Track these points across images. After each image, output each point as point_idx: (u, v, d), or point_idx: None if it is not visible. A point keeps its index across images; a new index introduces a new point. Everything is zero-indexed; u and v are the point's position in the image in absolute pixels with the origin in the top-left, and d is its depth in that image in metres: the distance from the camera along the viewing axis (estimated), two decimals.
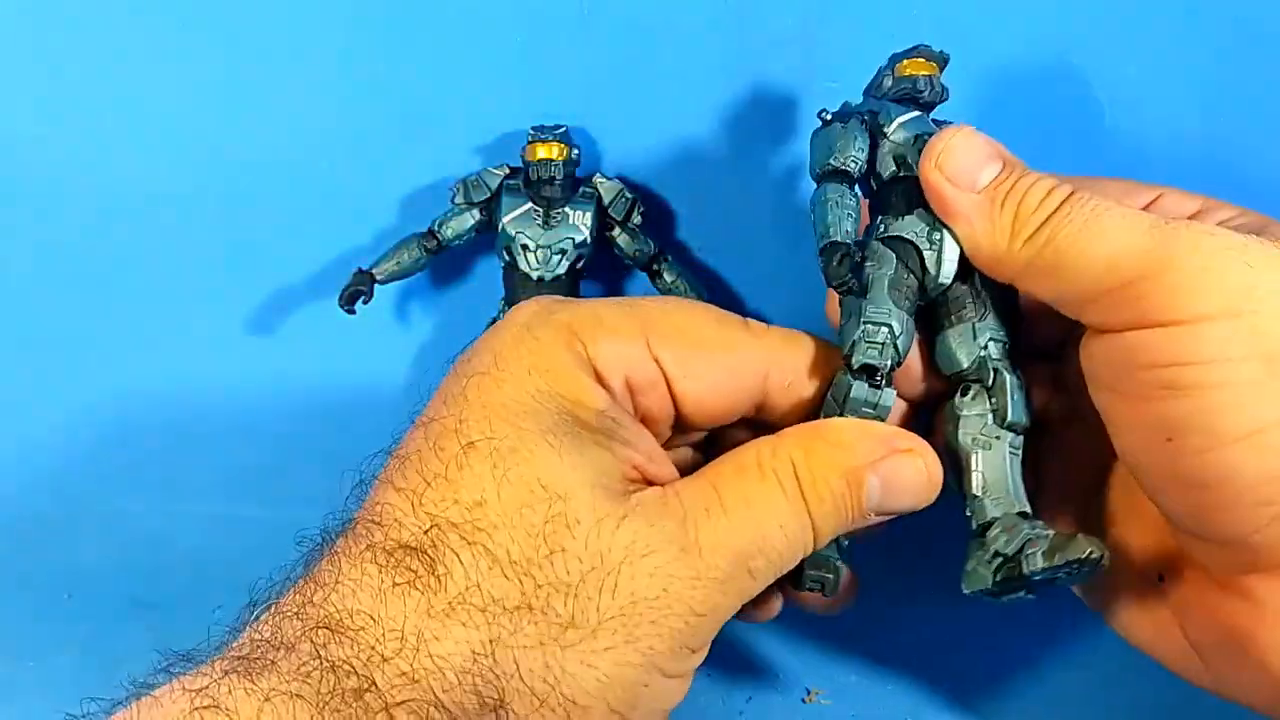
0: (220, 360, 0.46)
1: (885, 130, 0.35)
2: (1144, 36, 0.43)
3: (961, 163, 0.33)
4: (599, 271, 0.44)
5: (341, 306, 0.42)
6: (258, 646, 0.28)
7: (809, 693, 0.43)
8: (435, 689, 0.28)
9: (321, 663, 0.27)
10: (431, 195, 0.44)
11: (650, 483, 0.32)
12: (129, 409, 0.47)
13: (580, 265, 0.43)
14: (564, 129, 0.42)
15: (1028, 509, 0.33)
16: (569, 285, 0.43)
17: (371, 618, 0.28)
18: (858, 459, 0.32)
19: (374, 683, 0.27)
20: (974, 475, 0.34)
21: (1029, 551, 0.31)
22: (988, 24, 0.43)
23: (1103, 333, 0.31)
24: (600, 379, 0.32)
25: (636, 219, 0.43)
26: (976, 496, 0.33)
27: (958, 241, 0.34)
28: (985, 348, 0.34)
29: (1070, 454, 0.36)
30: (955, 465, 0.34)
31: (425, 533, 0.29)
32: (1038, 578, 0.31)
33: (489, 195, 0.43)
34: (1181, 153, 0.44)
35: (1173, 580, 0.33)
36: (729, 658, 0.44)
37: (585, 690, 0.29)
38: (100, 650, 0.28)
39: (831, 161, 0.35)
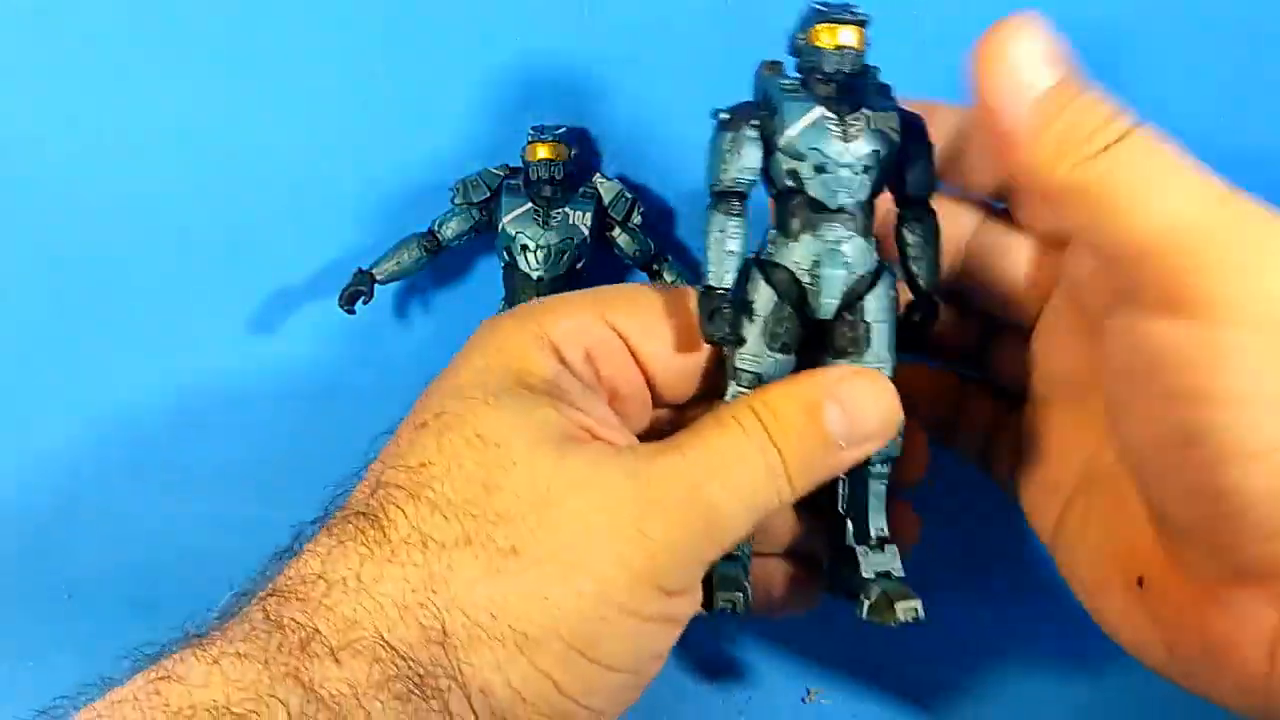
0: (220, 360, 0.46)
1: (777, 140, 0.32)
2: (1145, 36, 0.43)
3: (1018, 58, 0.29)
4: (599, 271, 0.44)
5: (341, 306, 0.42)
6: (213, 624, 0.29)
7: (809, 692, 0.43)
8: (380, 627, 0.28)
9: (269, 623, 0.28)
10: (431, 195, 0.44)
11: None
12: (129, 409, 0.47)
13: (580, 265, 0.43)
14: (564, 129, 0.42)
15: (885, 533, 0.34)
16: (569, 285, 0.43)
17: (319, 575, 0.29)
18: (813, 389, 0.31)
19: (318, 629, 0.27)
20: (840, 499, 0.35)
21: (862, 598, 0.33)
22: (987, 23, 0.43)
23: (1130, 309, 0.29)
24: (558, 353, 0.32)
25: (636, 219, 0.43)
26: (841, 516, 0.35)
27: (844, 269, 0.32)
28: None
29: (1053, 448, 0.36)
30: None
31: (372, 495, 0.30)
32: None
33: (489, 195, 0.43)
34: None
35: (1152, 584, 0.33)
36: (729, 657, 0.44)
37: (535, 621, 0.28)
38: (100, 650, 0.28)
39: (717, 182, 0.32)
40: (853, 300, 0.33)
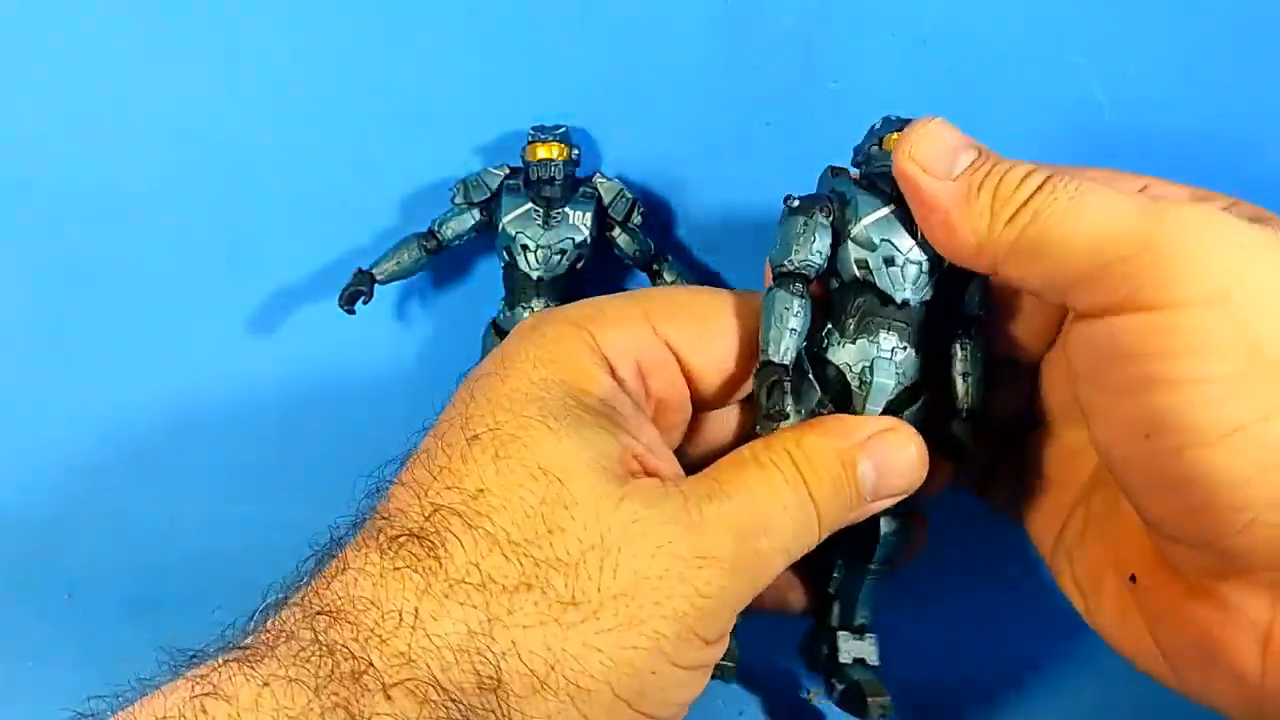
0: (220, 360, 0.46)
1: (850, 229, 0.33)
2: (1144, 36, 0.43)
3: (935, 149, 0.32)
4: (599, 271, 0.44)
5: (341, 306, 0.42)
6: (259, 638, 0.28)
7: (809, 692, 0.43)
8: (433, 668, 0.27)
9: (320, 647, 0.27)
10: (431, 195, 0.44)
11: (650, 474, 0.32)
12: (129, 409, 0.47)
13: (580, 265, 0.43)
14: (564, 129, 0.42)
15: (868, 622, 0.36)
16: (569, 285, 0.43)
17: (371, 602, 0.28)
18: (848, 440, 0.32)
19: (371, 663, 0.27)
20: (831, 581, 0.36)
21: (834, 683, 0.35)
22: (988, 24, 0.43)
23: (1087, 319, 0.30)
24: (610, 366, 0.32)
25: (636, 219, 0.43)
26: (831, 595, 0.37)
27: (894, 377, 0.33)
28: None
29: (1055, 472, 0.36)
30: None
31: (427, 519, 0.29)
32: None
33: (489, 195, 0.43)
34: (1182, 152, 0.44)
35: (1145, 583, 0.33)
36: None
37: (588, 673, 0.28)
38: (100, 650, 0.28)
39: (786, 263, 0.33)
40: (896, 410, 0.33)
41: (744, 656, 0.41)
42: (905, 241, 0.33)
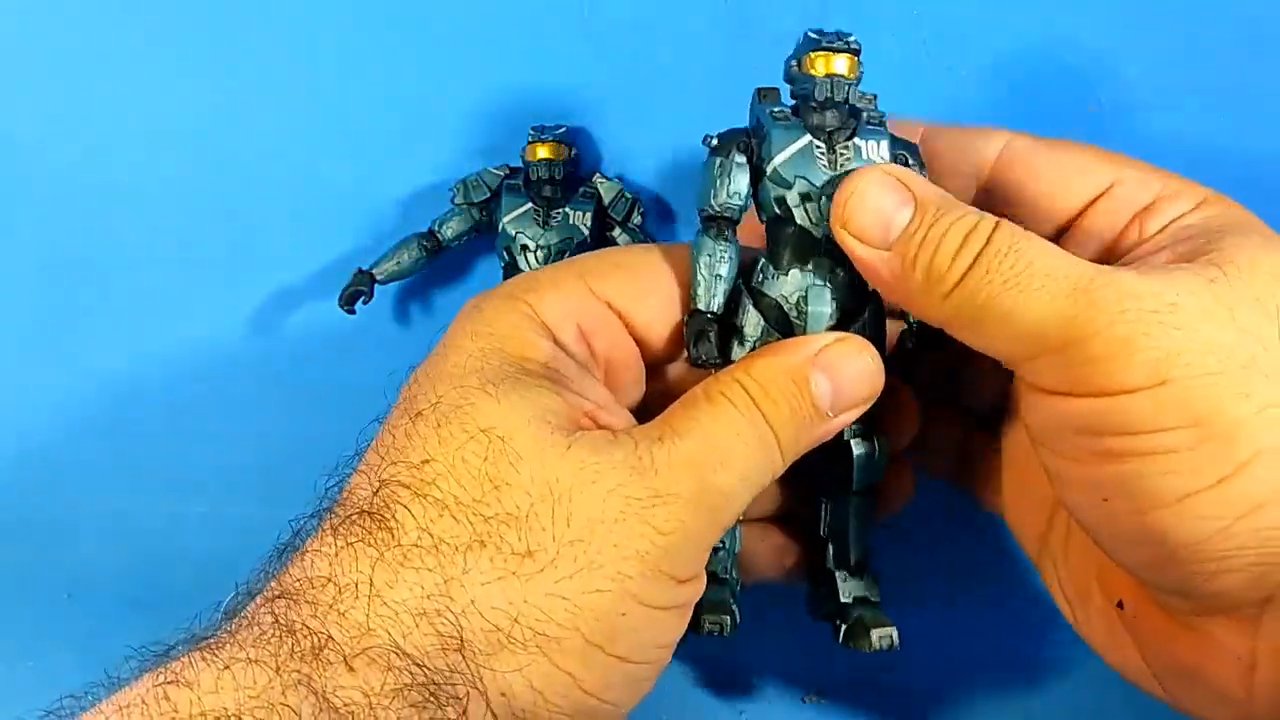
0: (220, 360, 0.46)
1: (764, 166, 0.32)
2: (1144, 36, 0.43)
3: (869, 218, 0.31)
4: None
5: (341, 306, 0.42)
6: (223, 628, 0.28)
7: (809, 693, 0.43)
8: (393, 634, 0.27)
9: (280, 628, 0.27)
10: (431, 195, 0.44)
11: (602, 429, 0.31)
12: (129, 409, 0.47)
13: None
14: (564, 129, 0.42)
15: (864, 558, 0.35)
16: None
17: (328, 579, 0.28)
18: (798, 356, 0.32)
19: (331, 637, 0.27)
20: (822, 523, 0.35)
21: (839, 623, 0.35)
22: (988, 23, 0.43)
23: (1037, 394, 0.30)
24: (550, 332, 0.32)
25: (636, 219, 0.43)
26: (822, 539, 0.36)
27: (832, 304, 0.32)
28: None
29: (1034, 466, 0.36)
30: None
31: (376, 495, 0.29)
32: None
33: (489, 195, 0.43)
34: (1181, 152, 0.44)
35: (1130, 609, 0.33)
36: (729, 658, 0.44)
37: (554, 622, 0.28)
38: (100, 650, 0.28)
39: (708, 207, 0.32)
40: (839, 328, 0.33)
41: (744, 657, 0.41)
42: (821, 176, 0.32)
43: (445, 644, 0.28)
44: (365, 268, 0.43)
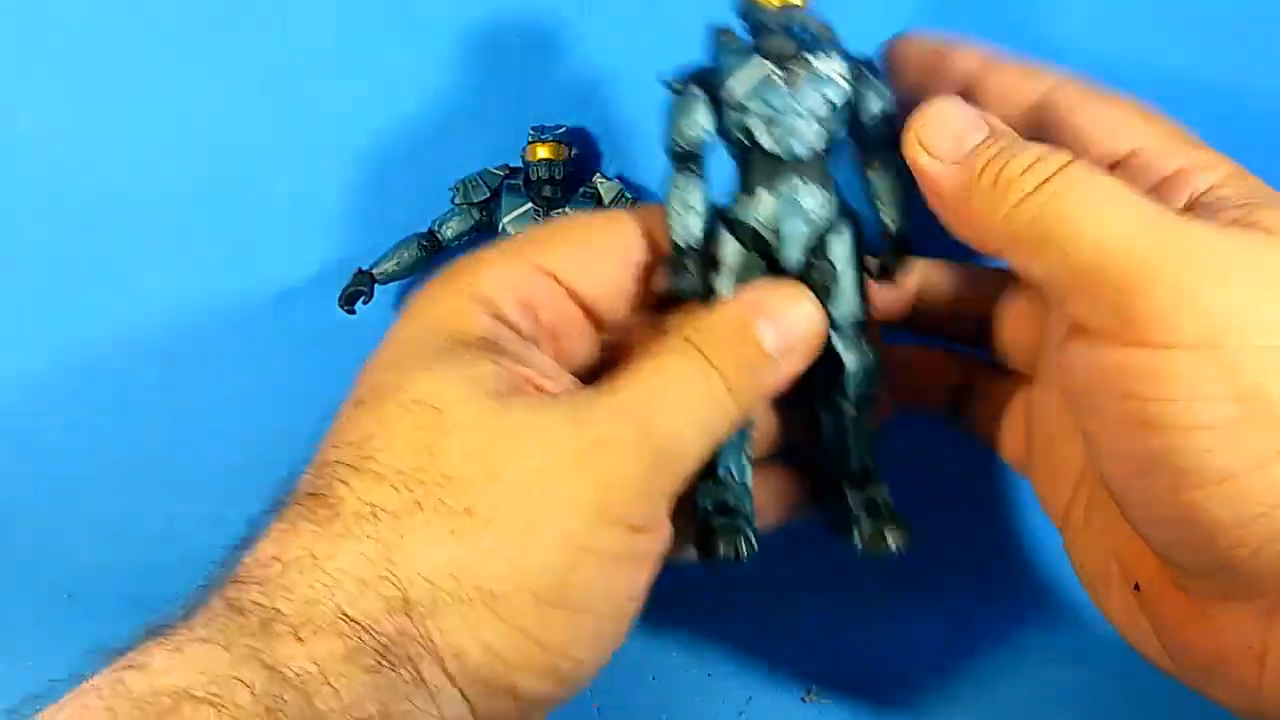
0: (220, 360, 0.46)
1: (725, 97, 0.32)
2: (1144, 36, 0.43)
3: (940, 131, 0.31)
4: None
5: (341, 306, 0.42)
6: (178, 618, 0.28)
7: (809, 692, 0.43)
8: (340, 602, 0.27)
9: (231, 609, 0.27)
10: (431, 195, 0.44)
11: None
12: (129, 409, 0.47)
13: None
14: (564, 129, 0.42)
15: (871, 466, 0.35)
16: None
17: (274, 558, 0.28)
18: (739, 307, 0.32)
19: (279, 611, 0.27)
20: (824, 439, 0.36)
21: (854, 530, 0.34)
22: (987, 24, 0.43)
23: (1078, 339, 0.30)
24: (490, 307, 0.32)
25: None
26: (828, 454, 0.36)
27: (804, 222, 0.33)
28: (838, 325, 0.34)
29: (1060, 429, 0.35)
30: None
31: (319, 477, 0.30)
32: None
33: (489, 195, 0.43)
34: None
35: (1148, 593, 0.33)
36: (729, 658, 0.44)
37: (498, 577, 0.28)
38: (100, 650, 0.28)
39: (675, 147, 0.33)
40: (817, 247, 0.33)
41: (744, 656, 0.41)
42: (781, 98, 0.32)
43: (391, 607, 0.27)
44: (365, 268, 0.43)
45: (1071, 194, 0.28)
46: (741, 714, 0.42)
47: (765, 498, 0.37)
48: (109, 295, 0.46)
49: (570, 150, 0.42)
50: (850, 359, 0.34)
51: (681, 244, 0.33)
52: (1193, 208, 0.31)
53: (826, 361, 0.34)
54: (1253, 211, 0.29)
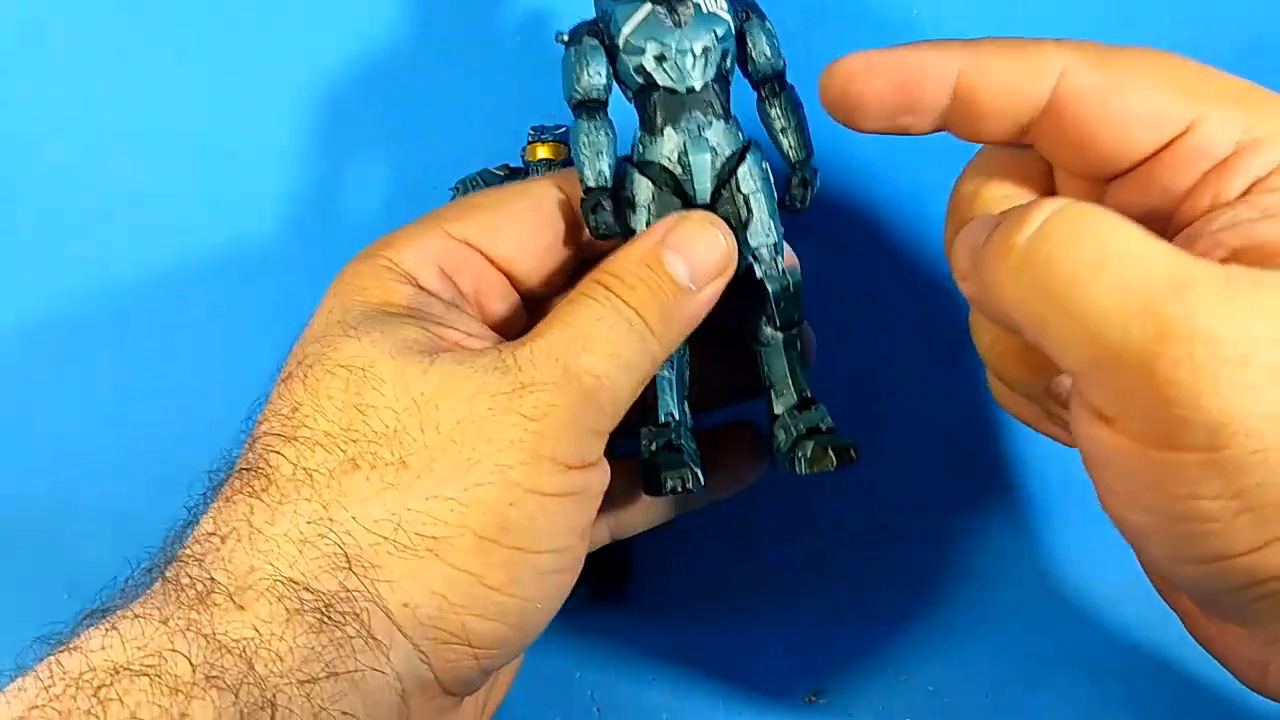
0: (221, 359, 0.46)
1: (617, 41, 0.33)
2: (1143, 36, 0.43)
3: (960, 253, 0.29)
4: None
5: None
6: (113, 599, 0.29)
7: (809, 693, 0.43)
8: (280, 566, 0.27)
9: (167, 584, 0.28)
10: (432, 195, 0.44)
11: None
12: (129, 409, 0.47)
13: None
14: (564, 129, 0.42)
15: (808, 392, 0.36)
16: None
17: (211, 533, 0.28)
18: (646, 243, 0.32)
19: (215, 581, 0.27)
20: (762, 373, 0.36)
21: (797, 454, 0.35)
22: (987, 25, 0.43)
23: (1087, 411, 0.27)
24: (411, 279, 0.33)
25: None
26: (767, 388, 0.36)
27: (710, 153, 0.34)
28: (756, 253, 0.35)
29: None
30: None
31: (252, 451, 0.30)
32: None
33: None
34: None
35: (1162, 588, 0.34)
36: (729, 659, 0.44)
37: (440, 522, 0.28)
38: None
39: (575, 95, 0.34)
40: (726, 178, 0.34)
41: (744, 657, 0.41)
42: (670, 35, 0.33)
43: (332, 564, 0.28)
44: None
45: (1070, 245, 0.25)
46: (742, 715, 0.42)
47: (722, 460, 0.37)
48: (108, 296, 0.46)
49: (570, 150, 0.42)
50: (772, 285, 0.35)
51: (594, 185, 0.34)
52: (1236, 207, 0.27)
53: (752, 295, 0.35)
54: None
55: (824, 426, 0.36)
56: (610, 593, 0.45)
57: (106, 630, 0.27)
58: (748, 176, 0.34)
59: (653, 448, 0.35)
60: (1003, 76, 0.31)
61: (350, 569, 0.28)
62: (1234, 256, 0.26)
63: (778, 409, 0.36)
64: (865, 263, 0.46)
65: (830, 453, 0.35)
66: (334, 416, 0.29)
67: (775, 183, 0.35)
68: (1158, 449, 0.25)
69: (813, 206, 0.36)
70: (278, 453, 0.29)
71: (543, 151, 0.42)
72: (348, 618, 0.27)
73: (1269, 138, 0.28)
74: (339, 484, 0.28)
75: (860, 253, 0.46)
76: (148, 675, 0.25)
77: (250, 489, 0.29)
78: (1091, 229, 0.26)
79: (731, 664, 0.44)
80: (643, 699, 0.41)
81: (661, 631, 0.44)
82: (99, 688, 0.25)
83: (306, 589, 0.27)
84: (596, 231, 0.34)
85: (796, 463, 0.35)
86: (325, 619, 0.27)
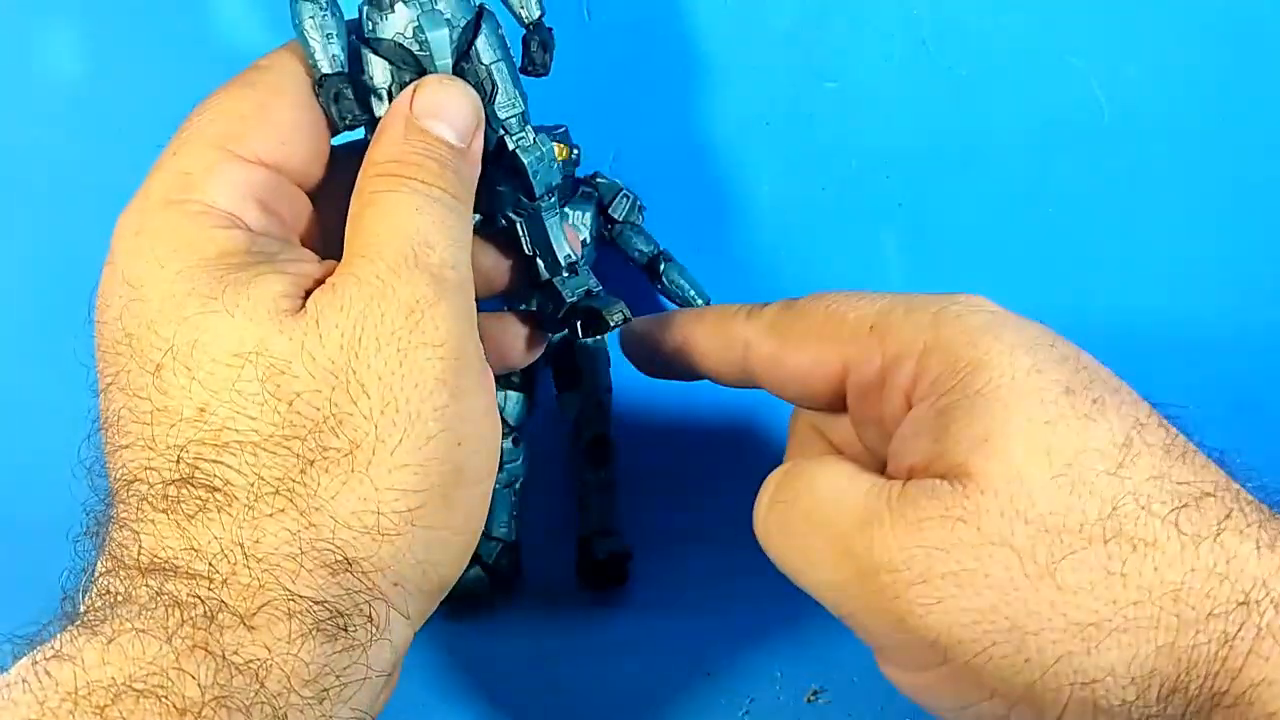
0: None
1: None
2: (1144, 37, 0.43)
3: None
4: (600, 271, 0.44)
5: None
6: (90, 607, 0.27)
7: (811, 693, 0.43)
8: (283, 582, 0.27)
9: (163, 600, 0.26)
10: None
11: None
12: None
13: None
14: (564, 129, 0.42)
15: (573, 258, 0.36)
16: None
17: (191, 551, 0.27)
18: (398, 123, 0.32)
19: (224, 602, 0.26)
20: (522, 242, 0.36)
21: (574, 322, 0.36)
22: (987, 24, 0.43)
23: (881, 657, 0.31)
24: (235, 220, 0.31)
25: (636, 217, 0.43)
26: (529, 257, 0.36)
27: (446, 26, 0.33)
28: (505, 124, 0.34)
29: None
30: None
31: (179, 463, 0.28)
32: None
33: None
34: (1181, 152, 0.44)
35: None
36: (731, 659, 0.44)
37: (411, 491, 0.28)
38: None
39: None
40: (465, 49, 0.33)
41: (746, 657, 0.41)
42: None
43: (333, 569, 0.27)
44: None
45: (783, 515, 0.31)
46: (745, 714, 0.42)
47: (506, 341, 0.37)
48: None
49: (570, 150, 0.42)
50: (526, 156, 0.34)
51: (329, 70, 0.32)
52: (901, 426, 0.31)
53: (511, 173, 0.34)
54: (943, 438, 0.29)
55: (594, 289, 0.36)
56: (610, 584, 0.45)
57: (105, 643, 0.26)
58: (486, 48, 0.34)
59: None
60: (711, 348, 0.36)
61: (350, 570, 0.27)
62: (910, 472, 0.30)
63: (545, 275, 0.36)
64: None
65: (605, 316, 0.35)
66: (259, 414, 0.28)
67: (512, 48, 0.35)
68: (913, 672, 0.29)
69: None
70: (216, 462, 0.28)
71: None
72: (356, 620, 0.27)
73: (904, 352, 0.31)
74: (305, 487, 0.27)
75: None
76: (155, 695, 0.25)
77: (211, 506, 0.27)
78: (805, 487, 0.31)
79: (731, 664, 0.44)
80: (643, 699, 0.41)
81: (661, 631, 0.44)
82: (102, 707, 0.24)
83: (316, 601, 0.27)
84: (342, 121, 0.32)
85: (575, 331, 0.36)
86: (338, 628, 0.27)
